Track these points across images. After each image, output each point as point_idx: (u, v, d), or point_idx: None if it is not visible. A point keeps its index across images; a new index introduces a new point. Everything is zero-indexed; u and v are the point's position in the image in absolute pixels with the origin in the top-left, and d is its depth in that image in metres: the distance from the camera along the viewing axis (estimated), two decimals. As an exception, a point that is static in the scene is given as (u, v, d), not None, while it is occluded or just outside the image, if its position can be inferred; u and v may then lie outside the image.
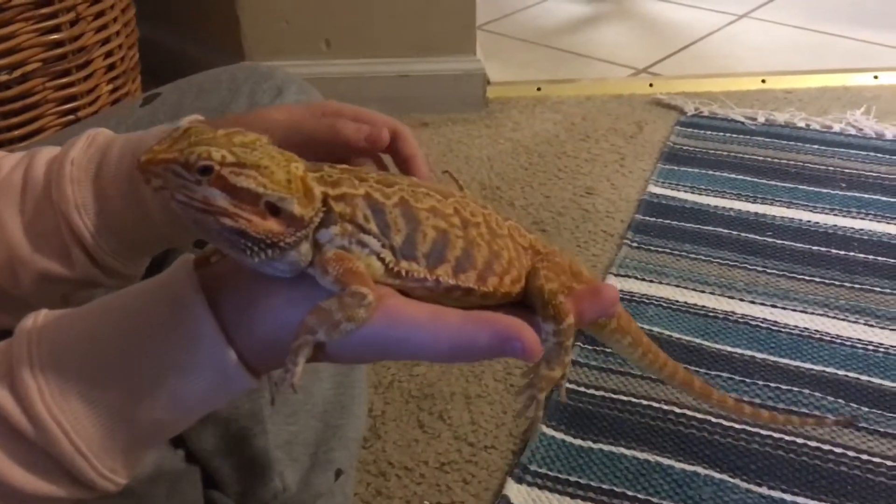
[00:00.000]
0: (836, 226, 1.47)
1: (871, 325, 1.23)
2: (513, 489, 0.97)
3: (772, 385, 1.11)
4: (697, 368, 1.14)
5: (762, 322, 1.23)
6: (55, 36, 1.23)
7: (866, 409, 1.08)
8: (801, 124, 1.81)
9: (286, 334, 0.44)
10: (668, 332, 1.21)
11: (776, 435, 1.04)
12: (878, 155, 1.69)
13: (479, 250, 0.48)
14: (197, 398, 0.46)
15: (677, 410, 1.07)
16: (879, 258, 1.38)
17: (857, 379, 1.13)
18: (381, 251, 0.45)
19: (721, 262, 1.37)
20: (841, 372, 1.14)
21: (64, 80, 1.24)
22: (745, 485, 0.97)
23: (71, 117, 1.24)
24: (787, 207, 1.52)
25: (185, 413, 0.47)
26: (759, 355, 1.17)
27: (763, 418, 0.69)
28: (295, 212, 0.43)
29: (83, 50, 1.26)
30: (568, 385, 1.11)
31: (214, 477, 0.72)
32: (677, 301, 1.28)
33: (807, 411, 1.07)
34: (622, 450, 1.02)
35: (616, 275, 1.34)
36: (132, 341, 0.45)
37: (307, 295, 0.44)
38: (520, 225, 0.53)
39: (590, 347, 1.18)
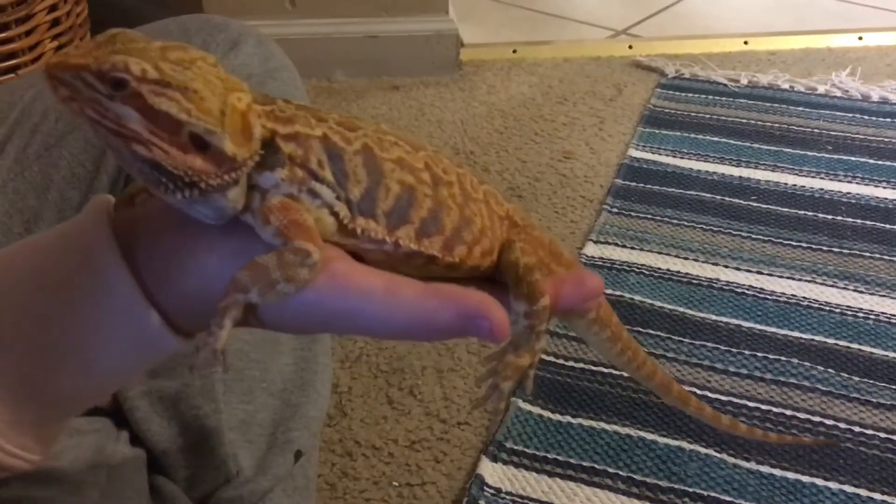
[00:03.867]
0: (822, 189, 1.42)
1: (861, 292, 1.18)
2: (487, 468, 0.91)
3: (759, 355, 1.06)
4: (681, 338, 1.09)
5: (748, 289, 1.18)
6: (-8, -13, 1.14)
7: (857, 379, 1.03)
8: (785, 86, 1.76)
9: (215, 290, 0.37)
10: (650, 301, 1.15)
11: (764, 407, 0.99)
12: (864, 117, 1.64)
13: (449, 213, 0.42)
14: (115, 364, 0.40)
15: (661, 382, 1.01)
16: (868, 222, 1.33)
17: (847, 347, 1.08)
18: (334, 204, 0.39)
19: (704, 227, 1.32)
20: (830, 340, 1.09)
21: (3, 36, 1.16)
22: (732, 459, 0.92)
23: (11, 75, 1.15)
24: (772, 171, 1.47)
25: (103, 381, 0.41)
26: (745, 324, 1.12)
27: (741, 431, 0.64)
28: (225, 149, 0.36)
29: (24, 3, 1.17)
30: (545, 357, 1.05)
31: (161, 461, 0.66)
32: (659, 268, 1.22)
33: (795, 381, 1.02)
34: (603, 424, 0.96)
35: (596, 241, 1.28)
36: (34, 299, 0.39)
37: (243, 247, 0.38)
38: (497, 191, 0.46)
39: (568, 317, 1.12)
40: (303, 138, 0.39)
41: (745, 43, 1.95)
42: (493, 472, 0.90)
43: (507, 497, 0.88)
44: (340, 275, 0.38)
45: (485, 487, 0.89)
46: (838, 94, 1.73)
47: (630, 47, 1.94)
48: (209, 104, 0.36)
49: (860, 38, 1.97)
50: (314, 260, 0.37)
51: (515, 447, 0.93)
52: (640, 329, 1.10)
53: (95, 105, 0.35)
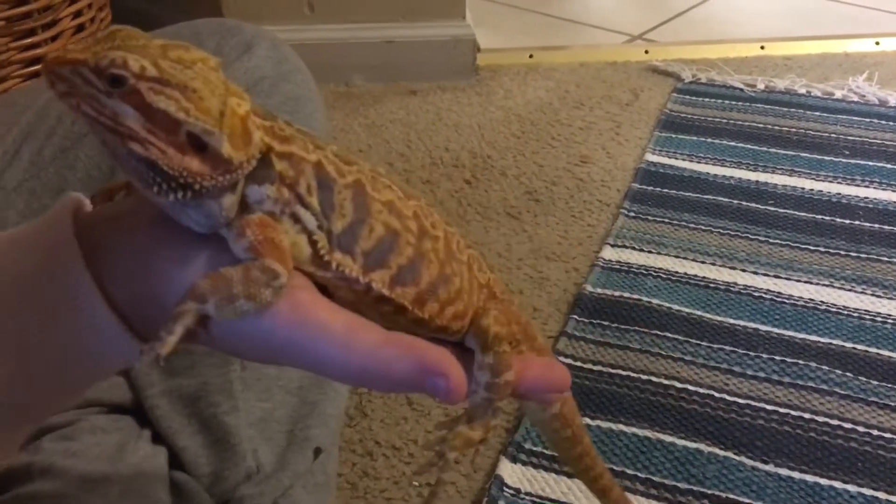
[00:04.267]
0: (840, 194, 1.41)
1: (879, 296, 1.17)
2: (507, 468, 0.91)
3: (776, 358, 1.06)
4: (699, 342, 1.09)
5: (765, 293, 1.18)
6: (19, -7, 1.16)
7: (875, 383, 1.03)
8: (802, 91, 1.75)
9: (175, 299, 0.36)
10: (667, 304, 1.15)
11: (782, 410, 0.99)
12: (882, 122, 1.64)
13: (428, 267, 0.41)
14: (80, 365, 0.39)
15: (678, 385, 1.01)
16: (885, 227, 1.33)
17: (866, 352, 1.08)
18: (315, 232, 0.38)
19: (722, 231, 1.32)
20: (848, 344, 1.09)
21: (29, 41, 1.17)
22: (750, 462, 0.92)
23: (37, 80, 1.17)
24: (790, 175, 1.47)
25: (65, 384, 0.40)
26: (762, 327, 1.12)
27: None
28: (223, 151, 0.35)
29: (49, 9, 1.19)
30: (563, 360, 1.05)
31: (181, 457, 0.67)
32: (677, 272, 1.22)
33: (813, 385, 1.02)
34: (621, 427, 0.96)
35: (613, 245, 1.28)
36: None
37: (212, 258, 0.37)
38: (481, 258, 0.45)
39: (585, 320, 1.12)
40: (297, 160, 0.38)
41: (762, 48, 1.95)
42: (512, 473, 0.91)
43: (527, 497, 0.88)
44: (302, 305, 0.37)
45: (504, 488, 0.89)
46: (855, 98, 1.73)
47: (646, 52, 1.94)
48: (208, 104, 0.35)
49: (877, 43, 1.96)
50: (281, 283, 0.35)
51: (535, 448, 0.93)
52: (658, 333, 1.10)
53: (92, 101, 0.34)
